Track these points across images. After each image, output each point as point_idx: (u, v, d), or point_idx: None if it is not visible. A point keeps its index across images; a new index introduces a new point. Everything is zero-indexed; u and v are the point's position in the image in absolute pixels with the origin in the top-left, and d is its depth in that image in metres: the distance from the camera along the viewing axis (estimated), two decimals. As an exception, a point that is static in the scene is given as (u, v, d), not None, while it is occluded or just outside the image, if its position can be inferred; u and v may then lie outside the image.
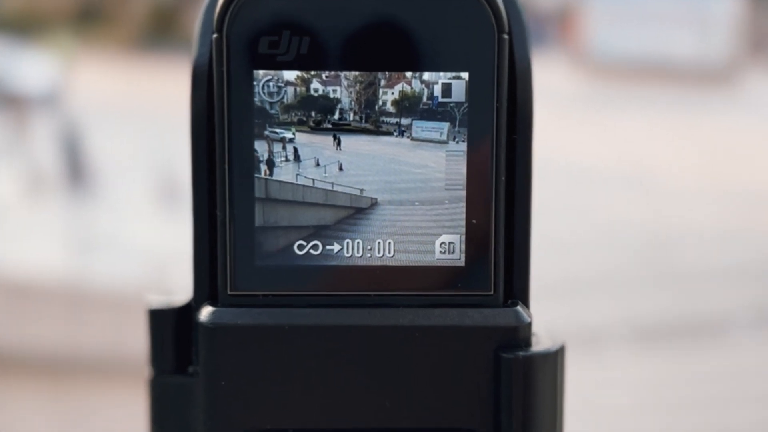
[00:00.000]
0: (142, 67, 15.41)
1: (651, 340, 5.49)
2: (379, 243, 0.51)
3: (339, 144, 0.51)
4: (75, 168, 8.55)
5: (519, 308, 0.52)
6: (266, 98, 0.50)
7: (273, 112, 0.50)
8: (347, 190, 0.51)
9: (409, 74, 0.50)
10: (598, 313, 5.86)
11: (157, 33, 17.43)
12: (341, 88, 0.50)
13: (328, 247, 0.51)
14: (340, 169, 0.51)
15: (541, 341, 0.52)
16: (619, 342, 5.42)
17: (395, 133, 0.51)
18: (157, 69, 14.94)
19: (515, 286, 0.52)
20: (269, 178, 0.51)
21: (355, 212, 0.51)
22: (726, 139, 11.03)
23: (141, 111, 11.62)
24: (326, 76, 0.50)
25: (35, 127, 10.26)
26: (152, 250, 6.53)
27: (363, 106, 0.50)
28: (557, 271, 6.16)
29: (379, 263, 0.51)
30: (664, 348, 5.40)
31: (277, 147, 0.50)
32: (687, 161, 10.06)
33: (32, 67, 12.03)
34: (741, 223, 7.74)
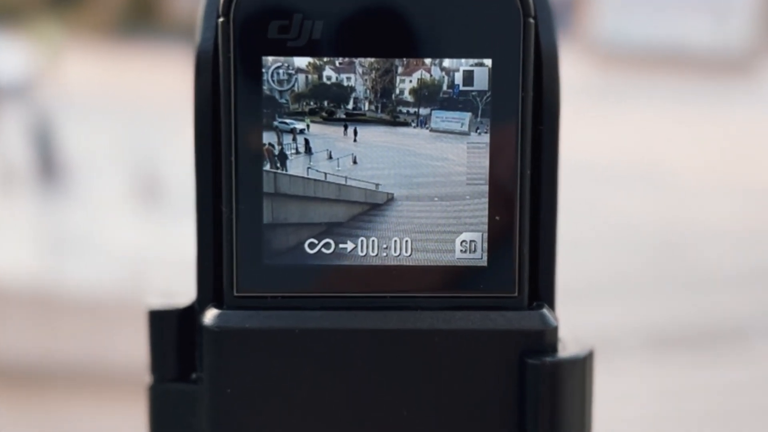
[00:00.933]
0: (121, 55, 15.38)
1: (665, 348, 5.49)
2: (395, 241, 0.51)
3: (353, 135, 0.51)
4: (47, 163, 8.52)
5: (545, 311, 0.52)
6: (275, 86, 0.50)
7: (283, 101, 0.50)
8: (362, 185, 0.51)
9: (428, 61, 0.50)
10: (608, 319, 5.86)
11: (137, 19, 17.41)
12: (356, 76, 0.50)
13: (341, 246, 0.51)
14: (354, 162, 0.51)
15: (568, 346, 0.52)
16: (631, 350, 5.42)
17: (413, 124, 0.51)
18: (137, 57, 14.91)
19: (540, 287, 0.53)
20: (278, 171, 0.51)
21: (370, 208, 0.51)
22: (746, 132, 11.03)
23: (120, 102, 11.59)
24: (340, 63, 0.50)
25: (7, 119, 10.24)
26: (131, 251, 6.52)
27: (379, 95, 0.50)
28: (565, 274, 6.15)
29: (396, 263, 0.51)
30: (679, 356, 5.41)
31: (287, 138, 0.50)
32: (704, 156, 10.06)
33: (6, 55, 12.00)
34: (763, 223, 7.74)
